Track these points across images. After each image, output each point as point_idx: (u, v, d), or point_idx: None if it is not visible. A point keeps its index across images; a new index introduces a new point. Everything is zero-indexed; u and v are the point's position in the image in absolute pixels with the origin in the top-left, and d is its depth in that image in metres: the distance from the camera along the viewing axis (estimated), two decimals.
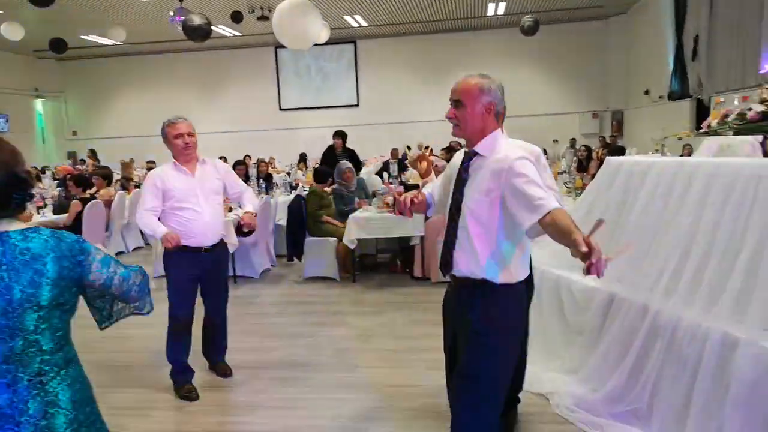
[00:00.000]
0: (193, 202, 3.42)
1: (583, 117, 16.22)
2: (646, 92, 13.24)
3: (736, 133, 3.20)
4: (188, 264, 3.43)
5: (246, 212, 3.67)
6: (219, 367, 3.88)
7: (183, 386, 3.57)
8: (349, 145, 8.19)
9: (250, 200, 3.76)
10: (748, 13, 8.54)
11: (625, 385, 2.90)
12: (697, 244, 2.69)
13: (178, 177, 3.44)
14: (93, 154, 15.59)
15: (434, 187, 2.42)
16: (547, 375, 3.46)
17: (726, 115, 3.29)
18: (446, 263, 2.16)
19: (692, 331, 2.55)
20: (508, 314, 2.10)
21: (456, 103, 2.10)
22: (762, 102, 3.21)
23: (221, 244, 3.64)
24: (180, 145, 3.41)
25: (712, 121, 3.39)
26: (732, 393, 2.34)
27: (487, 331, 2.07)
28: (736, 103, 3.39)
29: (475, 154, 2.10)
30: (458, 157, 2.24)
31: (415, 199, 2.32)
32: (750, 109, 3.22)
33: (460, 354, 2.15)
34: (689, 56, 10.64)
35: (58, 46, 12.08)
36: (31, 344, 1.40)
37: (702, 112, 9.96)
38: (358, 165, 7.73)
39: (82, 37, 14.01)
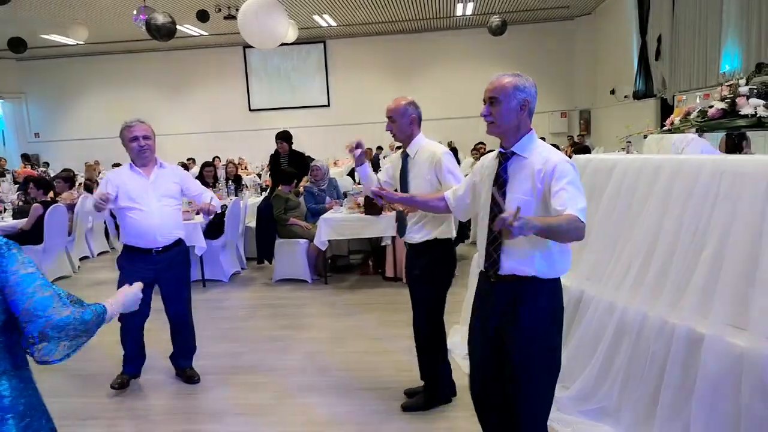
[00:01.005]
0: (142, 203, 3.44)
1: (552, 117, 16.43)
2: (612, 92, 13.46)
3: (698, 129, 3.25)
4: (139, 264, 3.44)
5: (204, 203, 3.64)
6: (185, 373, 3.80)
7: (120, 374, 3.69)
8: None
9: (209, 196, 3.70)
10: (709, 13, 8.74)
11: (594, 382, 2.92)
12: (661, 241, 2.72)
13: (131, 178, 3.48)
14: (26, 159, 15.24)
15: (457, 190, 2.53)
16: None
17: (688, 113, 3.34)
18: (494, 263, 2.16)
19: (658, 328, 2.58)
20: (556, 306, 2.18)
21: (491, 100, 2.13)
22: (722, 99, 3.26)
23: (177, 247, 3.61)
24: (135, 148, 3.43)
25: (675, 118, 3.44)
26: (698, 388, 2.36)
27: (540, 324, 2.12)
28: (698, 101, 3.45)
29: (513, 154, 2.15)
30: (488, 159, 2.31)
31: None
32: (711, 107, 3.27)
33: (512, 350, 2.14)
34: (653, 56, 10.86)
35: (17, 45, 11.71)
36: None
37: (666, 110, 10.14)
38: (304, 170, 6.92)
39: (43, 36, 13.59)
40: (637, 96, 11.62)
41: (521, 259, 2.09)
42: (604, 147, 11.60)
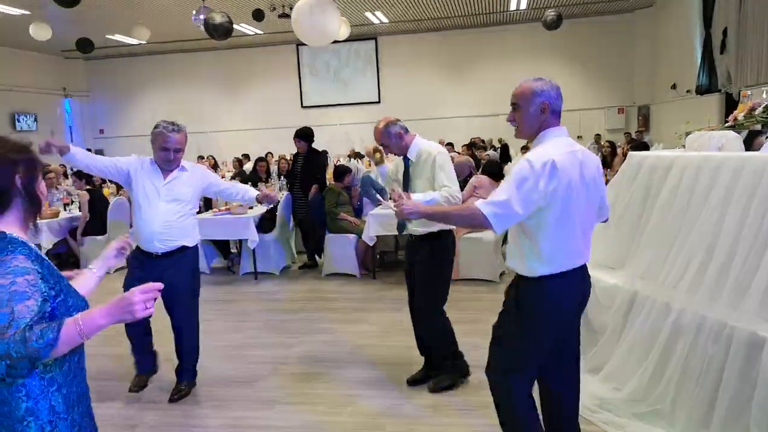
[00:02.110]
0: (149, 205, 3.31)
1: (608, 112, 15.96)
2: (673, 86, 12.95)
3: (765, 125, 3.11)
4: (141, 267, 3.36)
5: (255, 193, 3.59)
6: (176, 386, 3.58)
7: (135, 376, 3.68)
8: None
9: (245, 188, 3.68)
10: None
11: (647, 384, 2.85)
12: (722, 240, 2.62)
13: (149, 175, 3.34)
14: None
15: None
16: None
17: (753, 109, 3.20)
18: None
19: (717, 331, 2.49)
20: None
21: (514, 106, 2.23)
22: None
23: (180, 253, 3.42)
24: (162, 156, 3.30)
25: (738, 114, 3.30)
26: (758, 394, 2.27)
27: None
28: (764, 96, 3.29)
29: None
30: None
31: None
32: None
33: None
34: (718, 49, 10.38)
35: (84, 45, 12.29)
36: None
37: (731, 106, 9.69)
38: (319, 170, 6.69)
39: (108, 36, 14.23)
40: (700, 91, 11.14)
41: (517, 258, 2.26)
42: (664, 144, 11.19)
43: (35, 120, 16.15)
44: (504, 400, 2.34)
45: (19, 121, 15.70)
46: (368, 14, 13.64)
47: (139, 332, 3.59)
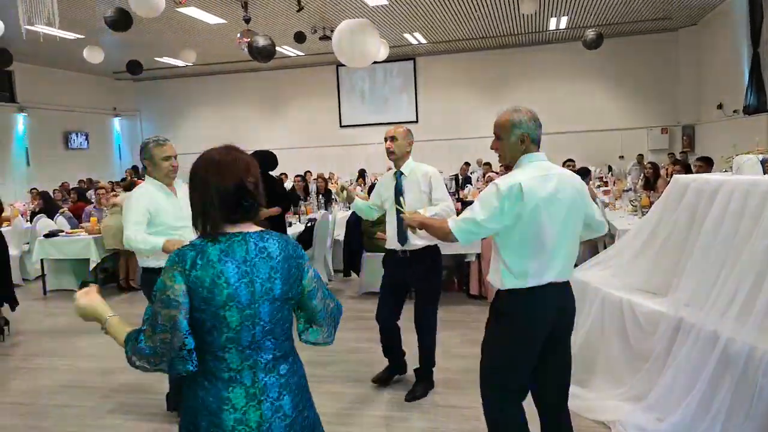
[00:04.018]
0: (182, 225, 3.19)
1: (651, 132, 15.63)
2: (719, 106, 12.61)
3: None
4: None
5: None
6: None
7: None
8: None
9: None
10: None
11: (693, 416, 2.74)
12: None
13: (166, 199, 3.27)
14: (135, 171, 16.30)
15: None
16: (610, 402, 3.31)
17: None
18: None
19: None
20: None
21: (496, 135, 2.42)
22: None
23: None
24: (167, 167, 3.26)
25: None
26: None
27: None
28: None
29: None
30: None
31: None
32: None
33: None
34: (767, 68, 10.08)
35: (134, 67, 12.83)
36: (267, 333, 1.56)
37: None
38: (276, 199, 5.41)
39: (156, 59, 14.81)
40: (748, 111, 10.81)
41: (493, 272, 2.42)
42: (696, 167, 10.86)
43: (86, 138, 16.83)
44: (491, 412, 2.44)
45: (71, 139, 16.40)
46: (407, 35, 13.81)
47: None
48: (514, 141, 2.34)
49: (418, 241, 3.49)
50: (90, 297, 1.64)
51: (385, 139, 3.64)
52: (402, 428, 3.35)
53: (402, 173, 3.64)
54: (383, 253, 3.64)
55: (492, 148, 2.45)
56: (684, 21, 14.03)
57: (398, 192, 3.59)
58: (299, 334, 1.75)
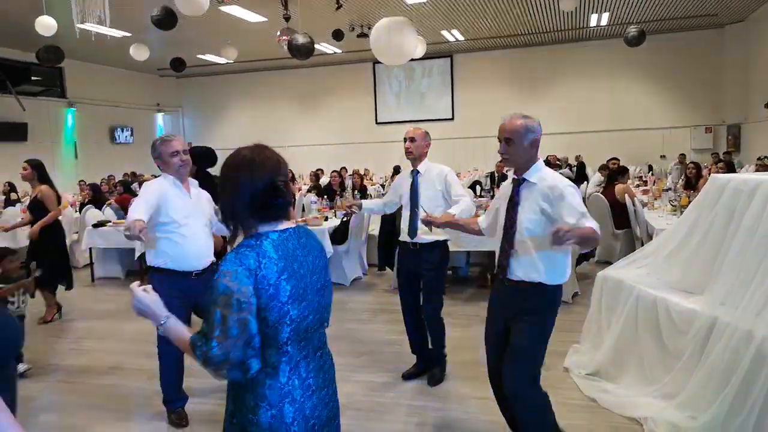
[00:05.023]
0: (188, 222, 3.23)
1: (694, 131, 15.26)
2: (767, 105, 12.23)
3: None
4: (179, 289, 3.15)
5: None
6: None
7: (174, 412, 3.48)
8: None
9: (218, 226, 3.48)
10: None
11: (726, 414, 2.73)
12: None
13: (177, 195, 3.25)
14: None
15: (486, 216, 2.99)
16: (642, 399, 3.32)
17: None
18: (503, 269, 2.64)
19: None
20: (555, 306, 2.67)
21: (507, 141, 2.56)
22: None
23: (212, 269, 3.37)
24: (177, 163, 3.23)
25: None
26: None
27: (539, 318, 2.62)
28: None
29: (524, 180, 2.60)
30: (505, 184, 2.80)
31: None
32: None
33: (513, 338, 2.63)
34: None
35: (177, 64, 13.21)
36: (317, 321, 1.67)
37: None
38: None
39: (199, 56, 15.20)
40: None
41: (529, 267, 2.55)
42: (756, 166, 10.55)
43: (131, 133, 17.40)
44: (538, 399, 2.63)
45: (117, 134, 16.98)
46: (444, 32, 13.80)
47: (177, 364, 3.48)
48: (527, 146, 2.54)
49: (426, 235, 3.73)
50: (150, 296, 1.68)
51: (405, 140, 3.84)
52: (436, 416, 3.43)
53: (418, 172, 3.84)
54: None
55: (500, 152, 2.62)
56: (731, 17, 13.62)
57: (414, 190, 3.82)
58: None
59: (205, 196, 3.47)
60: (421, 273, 3.87)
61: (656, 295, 3.42)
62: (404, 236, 3.91)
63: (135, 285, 1.71)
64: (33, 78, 13.99)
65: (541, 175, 2.57)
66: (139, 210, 3.00)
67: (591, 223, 2.39)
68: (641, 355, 3.49)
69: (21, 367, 4.23)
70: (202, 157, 5.29)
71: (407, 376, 4.02)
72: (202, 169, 5.24)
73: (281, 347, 1.57)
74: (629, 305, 3.60)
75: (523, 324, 2.58)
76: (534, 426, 2.65)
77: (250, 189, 1.55)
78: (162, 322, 1.64)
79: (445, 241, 3.90)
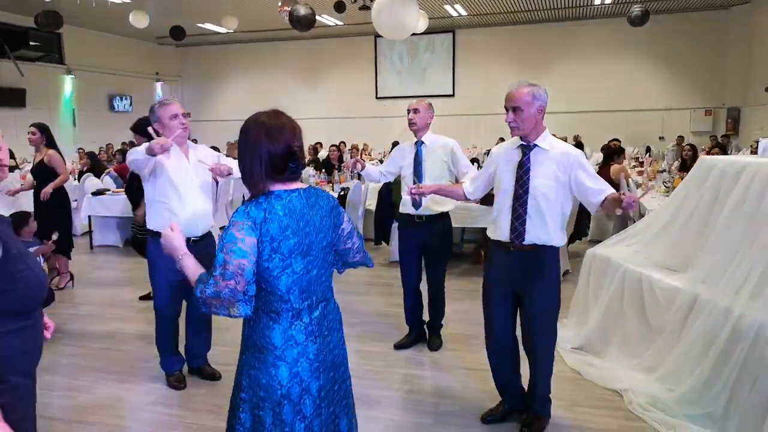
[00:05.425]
0: (185, 187, 3.19)
1: (694, 114, 15.26)
2: (767, 89, 12.23)
3: None
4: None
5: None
6: (203, 371, 3.66)
7: (172, 375, 3.55)
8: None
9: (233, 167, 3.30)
10: None
11: (702, 387, 2.86)
12: None
13: (174, 156, 3.19)
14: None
15: (473, 182, 3.12)
16: (624, 372, 3.45)
17: None
18: (519, 235, 2.72)
19: None
20: (559, 267, 2.83)
21: (514, 109, 2.63)
22: None
23: (209, 236, 3.39)
24: (177, 126, 3.15)
25: None
26: None
27: (554, 280, 2.78)
28: None
29: (536, 146, 2.69)
30: (501, 149, 2.88)
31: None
32: None
33: (532, 302, 2.76)
34: None
35: (177, 33, 13.09)
36: (321, 275, 1.80)
37: None
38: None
39: (199, 25, 15.06)
40: None
41: (542, 230, 2.67)
42: (751, 150, 10.61)
43: (131, 102, 17.32)
44: (551, 368, 2.89)
45: (116, 102, 16.90)
46: (447, 7, 13.69)
47: (169, 348, 3.55)
48: (534, 112, 2.61)
49: (432, 207, 3.82)
50: (176, 235, 1.83)
51: (408, 111, 3.87)
52: (425, 383, 3.56)
53: (423, 143, 3.86)
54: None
55: (507, 121, 2.65)
56: None
57: (418, 161, 3.83)
58: (339, 269, 2.02)
59: (207, 158, 3.34)
60: (428, 244, 3.92)
61: (641, 273, 3.52)
62: (407, 209, 3.88)
63: (166, 230, 1.87)
64: (31, 43, 13.86)
65: (551, 142, 2.70)
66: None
67: (611, 190, 2.60)
68: (625, 331, 3.61)
69: None
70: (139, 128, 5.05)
71: (399, 346, 4.13)
72: (150, 139, 5.09)
73: (283, 296, 1.72)
74: (616, 282, 3.71)
75: (540, 288, 2.73)
76: (546, 384, 2.87)
77: (269, 153, 1.68)
78: (179, 257, 1.79)
79: (448, 212, 3.96)
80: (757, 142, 3.56)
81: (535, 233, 2.68)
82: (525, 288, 2.76)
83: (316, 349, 1.77)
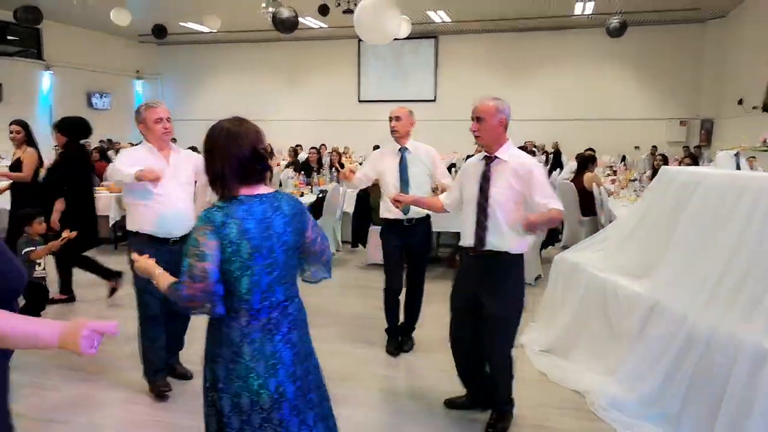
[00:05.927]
0: (164, 188, 3.23)
1: (669, 124, 15.58)
2: (740, 102, 12.55)
3: None
4: (159, 256, 2.91)
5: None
6: (175, 370, 3.66)
7: (156, 383, 3.46)
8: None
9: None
10: None
11: (659, 389, 2.98)
12: (740, 257, 2.72)
13: (152, 160, 3.25)
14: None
15: (449, 194, 3.23)
16: (587, 374, 3.57)
17: None
18: (480, 241, 2.87)
19: (726, 342, 2.61)
20: (521, 274, 2.97)
21: (478, 119, 2.84)
22: None
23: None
24: (160, 130, 3.26)
25: None
26: (759, 406, 2.39)
27: (511, 286, 2.92)
28: None
29: (496, 158, 2.86)
30: (471, 163, 3.04)
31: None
32: None
33: (489, 306, 2.88)
34: None
35: (159, 31, 13.04)
36: (281, 277, 1.86)
37: None
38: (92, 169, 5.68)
39: (182, 24, 14.99)
40: (767, 108, 10.78)
41: (499, 237, 2.82)
42: None
43: (109, 100, 17.13)
44: (509, 373, 3.00)
45: (94, 100, 16.70)
46: (430, 13, 13.81)
47: (161, 336, 3.49)
48: (495, 124, 2.80)
49: (419, 209, 3.92)
50: (147, 261, 1.98)
51: (390, 119, 3.97)
52: (397, 384, 3.63)
53: (407, 149, 3.99)
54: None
55: (472, 130, 2.86)
56: (713, 12, 13.85)
57: (403, 167, 3.94)
58: (302, 276, 2.07)
59: (187, 161, 3.40)
60: (412, 246, 4.05)
61: (606, 278, 3.65)
62: (394, 214, 3.89)
63: (135, 255, 2.09)
64: (9, 38, 13.69)
65: (511, 153, 2.85)
66: (125, 167, 3.16)
67: (557, 205, 2.69)
68: (590, 334, 3.73)
69: None
70: (77, 128, 5.23)
71: (390, 352, 4.14)
72: (75, 140, 5.22)
73: (242, 296, 1.81)
74: (582, 286, 3.83)
75: (497, 294, 2.86)
76: (506, 385, 3.00)
77: (238, 157, 1.77)
78: (156, 274, 1.93)
79: (429, 215, 4.09)
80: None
81: (493, 240, 2.84)
82: (484, 292, 2.90)
83: (272, 346, 1.84)
